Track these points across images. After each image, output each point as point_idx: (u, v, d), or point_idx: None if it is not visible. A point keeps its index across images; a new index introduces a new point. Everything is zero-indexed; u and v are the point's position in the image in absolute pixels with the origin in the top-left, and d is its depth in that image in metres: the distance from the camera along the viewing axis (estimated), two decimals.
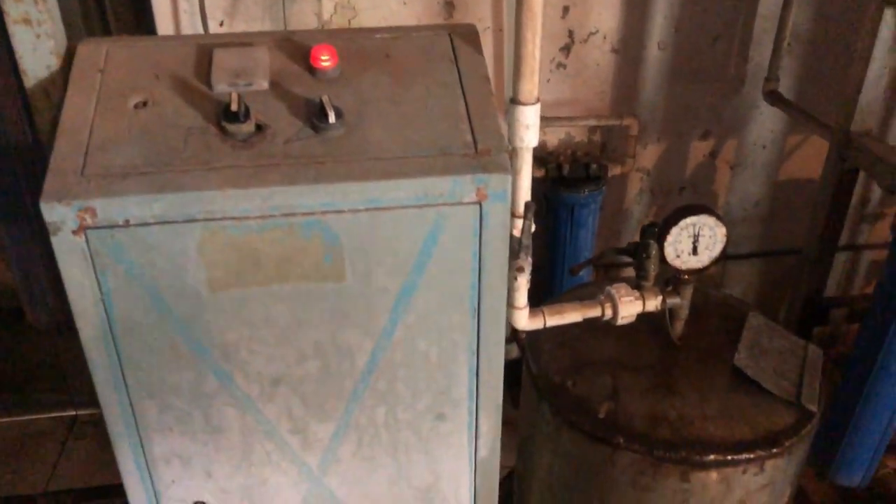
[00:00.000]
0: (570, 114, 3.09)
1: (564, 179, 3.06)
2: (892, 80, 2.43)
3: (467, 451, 1.59)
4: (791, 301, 2.81)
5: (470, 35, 1.47)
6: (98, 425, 3.57)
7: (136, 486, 1.51)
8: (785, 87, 3.07)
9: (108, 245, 1.24)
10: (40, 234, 1.72)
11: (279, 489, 1.58)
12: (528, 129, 1.46)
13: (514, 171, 1.52)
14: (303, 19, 2.82)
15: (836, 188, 2.43)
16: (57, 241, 1.22)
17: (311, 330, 1.39)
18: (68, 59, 1.40)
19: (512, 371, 1.67)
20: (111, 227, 1.23)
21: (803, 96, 3.07)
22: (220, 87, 1.34)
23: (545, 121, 2.99)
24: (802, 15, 3.00)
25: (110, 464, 1.49)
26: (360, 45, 1.46)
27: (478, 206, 1.31)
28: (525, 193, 1.55)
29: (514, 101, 1.45)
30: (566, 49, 2.99)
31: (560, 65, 3.02)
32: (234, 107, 1.26)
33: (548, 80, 3.02)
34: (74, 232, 1.22)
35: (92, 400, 3.63)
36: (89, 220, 1.21)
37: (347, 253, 1.32)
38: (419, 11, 2.88)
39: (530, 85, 1.42)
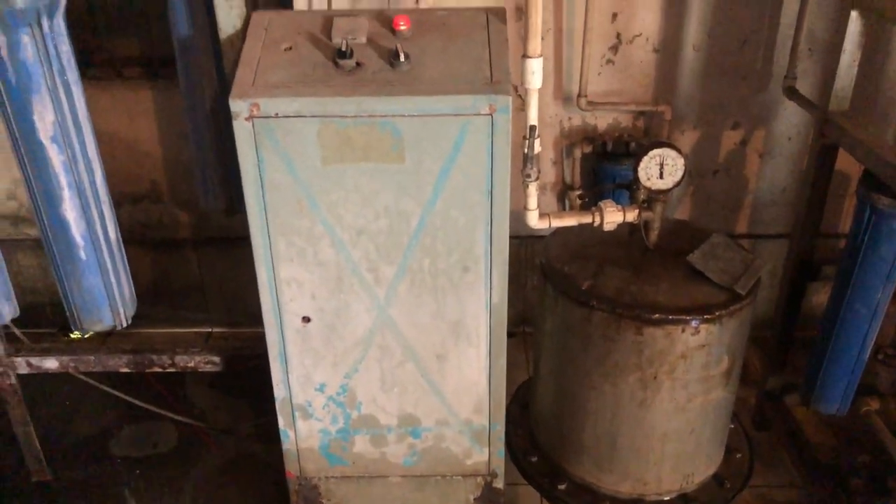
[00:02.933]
0: (617, 101, 3.74)
1: (609, 154, 3.73)
2: (860, 70, 2.93)
3: (484, 296, 2.31)
4: (787, 259, 3.32)
5: (499, 13, 2.24)
6: (227, 339, 4.50)
7: (269, 301, 2.32)
8: (806, 84, 3.60)
9: (264, 128, 2.07)
10: (216, 137, 2.58)
11: (357, 312, 2.35)
12: (534, 75, 2.19)
13: (525, 106, 2.25)
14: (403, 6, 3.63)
15: (818, 161, 2.98)
16: (236, 124, 2.06)
17: (382, 196, 2.17)
18: (245, 22, 2.26)
19: None
20: (267, 117, 2.06)
21: (818, 93, 3.59)
22: (337, 39, 2.16)
23: (596, 106, 3.68)
24: (818, 23, 3.55)
25: None
26: (427, 17, 2.25)
27: (490, 117, 2.05)
28: (532, 121, 2.27)
29: (525, 56, 2.19)
30: (614, 48, 3.66)
31: (609, 61, 3.69)
32: (343, 49, 2.07)
33: (599, 74, 3.70)
34: (246, 119, 2.05)
35: (225, 319, 4.54)
36: (255, 112, 2.05)
37: (406, 144, 2.09)
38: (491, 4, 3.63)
39: (534, 44, 2.16)
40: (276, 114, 2.05)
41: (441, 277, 2.29)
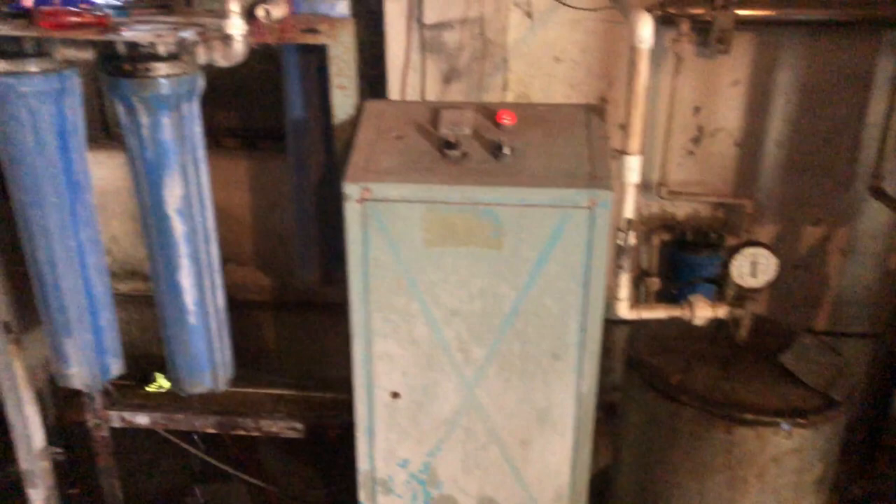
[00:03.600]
0: (697, 192, 3.78)
1: (687, 244, 3.75)
2: None
3: (573, 385, 2.33)
4: (874, 360, 3.25)
5: (598, 110, 2.34)
6: (295, 402, 4.57)
7: (361, 374, 2.39)
8: (894, 184, 3.58)
9: (373, 210, 2.18)
10: (319, 213, 2.71)
11: (446, 391, 2.40)
12: (632, 171, 2.26)
13: (621, 200, 2.31)
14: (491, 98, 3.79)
15: None
16: (347, 206, 2.18)
17: (479, 279, 2.24)
18: (358, 110, 2.42)
19: None
20: (377, 200, 2.17)
21: None
22: (444, 130, 2.29)
23: (675, 195, 3.73)
24: None
25: None
26: (528, 112, 2.37)
27: (589, 211, 2.12)
28: (627, 214, 2.33)
29: (623, 152, 2.27)
30: (695, 140, 3.73)
31: (690, 152, 3.75)
32: (451, 140, 2.19)
33: (679, 164, 3.76)
34: (357, 201, 2.17)
35: (295, 383, 4.62)
36: (366, 195, 2.16)
37: (506, 231, 2.17)
38: (579, 102, 3.76)
39: (635, 142, 2.24)
40: (386, 197, 2.17)
41: (531, 363, 2.33)
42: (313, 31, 2.27)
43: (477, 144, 2.26)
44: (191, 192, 2.17)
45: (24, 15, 2.09)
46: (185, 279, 2.25)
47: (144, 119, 2.04)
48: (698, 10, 3.32)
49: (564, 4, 3.46)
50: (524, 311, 2.27)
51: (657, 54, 3.67)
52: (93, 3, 2.08)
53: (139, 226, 3.44)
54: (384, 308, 2.31)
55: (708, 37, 3.41)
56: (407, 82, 3.69)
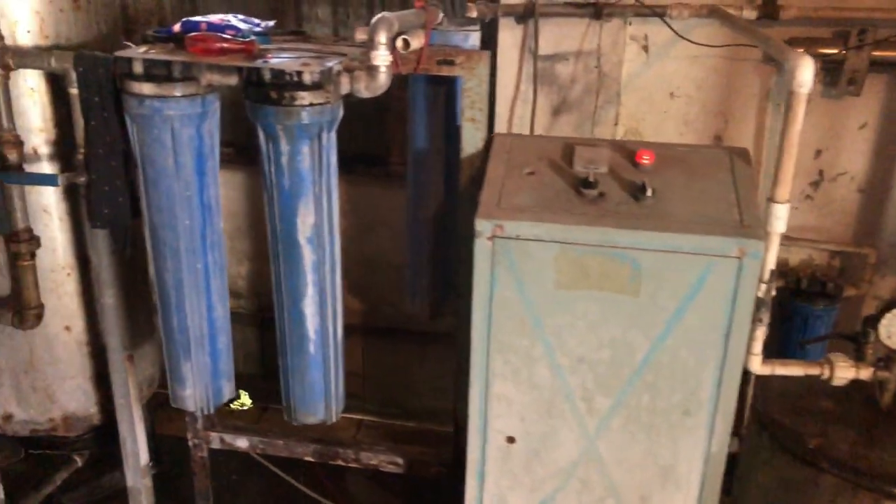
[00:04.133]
0: (813, 238, 3.59)
1: (802, 292, 3.55)
2: None
3: (703, 443, 2.20)
4: None
5: (743, 154, 2.22)
6: (378, 428, 4.54)
7: (476, 416, 2.31)
8: None
9: (503, 248, 2.11)
10: (434, 246, 2.67)
11: (564, 440, 2.29)
12: (779, 220, 2.13)
13: (766, 249, 2.18)
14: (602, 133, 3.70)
15: None
16: (478, 243, 2.11)
17: (610, 327, 2.13)
18: (487, 144, 2.36)
19: None
20: (508, 238, 2.10)
21: None
22: (578, 168, 2.21)
23: (790, 241, 3.54)
24: None
25: None
26: (666, 152, 2.26)
27: (737, 261, 1.99)
28: (770, 265, 2.19)
29: (771, 200, 2.14)
30: (815, 185, 3.55)
31: (808, 196, 3.57)
32: (591, 179, 2.10)
33: (796, 208, 3.58)
34: (488, 238, 2.10)
35: (379, 409, 4.58)
36: (498, 232, 2.09)
37: (644, 277, 2.06)
38: (692, 140, 3.63)
39: (784, 190, 2.11)
40: (518, 235, 2.09)
41: (659, 417, 2.20)
42: (449, 62, 2.23)
43: (615, 184, 2.17)
44: (322, 221, 2.14)
45: (171, 39, 2.12)
46: (309, 307, 2.22)
47: (285, 147, 2.02)
48: (830, 50, 3.17)
49: (685, 40, 3.35)
50: (656, 362, 2.15)
51: (779, 94, 3.53)
52: (238, 30, 2.09)
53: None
54: (506, 349, 2.22)
55: (838, 77, 3.25)
56: (515, 113, 3.64)
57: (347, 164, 3.99)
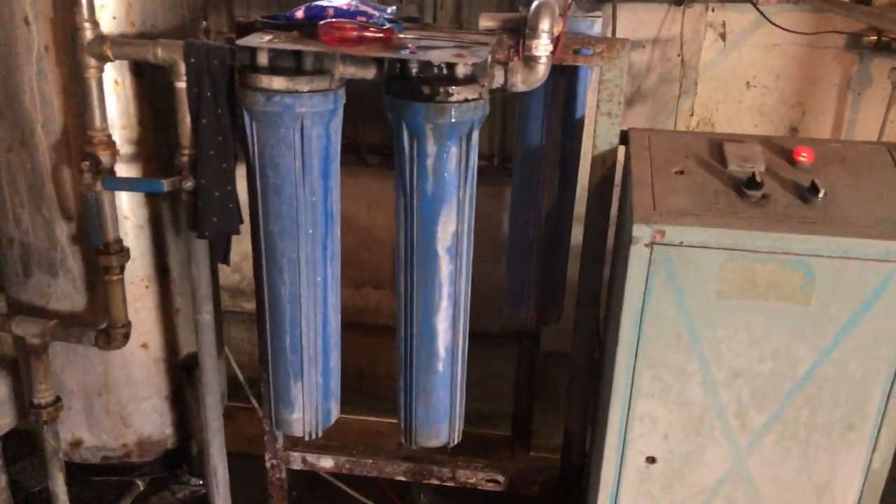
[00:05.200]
0: None
1: None
2: None
3: (863, 459, 2.06)
4: None
5: None
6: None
7: (615, 436, 2.14)
8: None
9: (662, 257, 1.93)
10: (544, 250, 2.48)
11: (710, 459, 2.13)
12: None
13: None
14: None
15: None
16: (634, 250, 1.93)
17: (773, 338, 1.98)
18: (623, 140, 2.18)
19: None
20: (668, 244, 1.92)
21: None
22: (733, 166, 2.04)
23: None
24: None
25: None
26: (821, 149, 2.10)
27: None
28: None
29: None
30: None
31: None
32: (757, 179, 1.94)
33: None
34: (646, 244, 1.92)
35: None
36: (658, 238, 1.92)
37: (817, 286, 1.91)
38: (766, 132, 3.50)
39: None
40: (681, 242, 1.92)
41: (817, 432, 2.06)
42: (587, 52, 2.03)
43: (775, 184, 2.00)
44: (461, 229, 1.94)
45: (292, 26, 1.88)
46: (442, 323, 2.02)
47: (431, 147, 1.81)
48: None
49: (771, 23, 3.20)
50: (821, 374, 2.00)
51: (861, 83, 3.41)
52: (370, 16, 1.87)
53: None
54: (655, 365, 2.05)
55: None
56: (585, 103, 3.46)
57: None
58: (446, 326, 2.03)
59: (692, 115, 3.51)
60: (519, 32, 1.99)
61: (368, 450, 2.77)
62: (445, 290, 1.99)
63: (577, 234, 2.55)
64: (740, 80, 3.45)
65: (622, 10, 3.30)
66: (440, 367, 2.08)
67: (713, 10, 3.30)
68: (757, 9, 3.16)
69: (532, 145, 2.44)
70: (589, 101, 2.54)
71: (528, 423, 4.19)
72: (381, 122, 4.02)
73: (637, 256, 1.95)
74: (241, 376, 3.21)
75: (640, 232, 1.92)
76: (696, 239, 1.91)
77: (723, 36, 3.39)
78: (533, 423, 4.14)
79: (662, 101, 3.48)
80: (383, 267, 4.18)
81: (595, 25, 2.31)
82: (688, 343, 2.02)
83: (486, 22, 2.08)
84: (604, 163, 2.20)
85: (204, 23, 2.38)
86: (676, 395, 2.08)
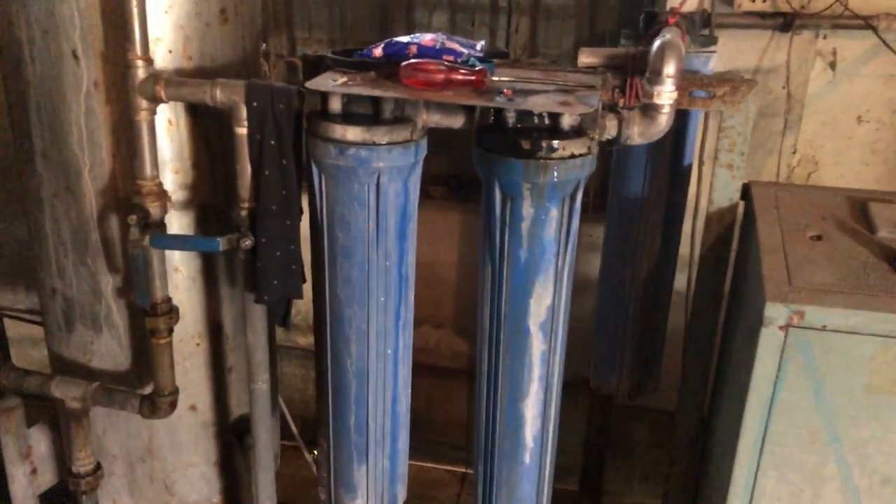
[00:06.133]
0: None
1: None
2: None
3: None
4: None
5: None
6: None
7: None
8: None
9: (799, 341, 1.61)
10: (642, 312, 2.18)
11: None
12: None
13: None
14: (766, 170, 3.21)
15: None
16: (765, 332, 1.62)
17: None
18: (744, 196, 1.87)
19: None
20: (808, 328, 1.60)
21: None
22: (883, 233, 1.71)
23: None
24: None
25: None
26: None
27: None
28: None
29: None
30: None
31: None
32: None
33: None
34: (781, 327, 1.61)
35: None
36: (795, 321, 1.60)
37: None
38: (879, 173, 3.13)
39: None
40: (824, 326, 1.60)
41: None
42: (707, 95, 1.74)
43: None
44: (558, 302, 1.66)
45: (370, 66, 1.64)
46: (530, 409, 1.73)
47: (528, 209, 1.54)
48: None
49: (892, 50, 2.85)
50: None
51: None
52: (458, 54, 1.60)
53: None
54: (785, 465, 1.73)
55: None
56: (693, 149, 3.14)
57: (462, 191, 3.58)
58: (535, 413, 1.75)
59: (794, 152, 3.17)
60: (625, 71, 1.71)
61: None
62: (537, 371, 1.70)
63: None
64: (851, 114, 3.10)
65: (721, 35, 2.98)
66: (527, 458, 1.79)
67: (824, 38, 2.96)
68: (878, 35, 2.80)
69: (632, 194, 2.15)
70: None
71: (598, 479, 3.87)
72: (445, 150, 3.77)
73: (768, 340, 1.63)
74: (292, 425, 2.99)
75: (775, 312, 1.61)
76: (844, 323, 1.59)
77: (832, 65, 3.05)
78: (603, 480, 3.83)
79: (762, 138, 3.14)
80: (444, 305, 3.94)
81: (710, 62, 2.01)
82: (826, 443, 1.69)
83: (586, 59, 1.80)
84: (721, 221, 1.89)
85: (263, 45, 2.16)
86: (809, 503, 1.75)
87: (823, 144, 3.17)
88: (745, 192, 1.90)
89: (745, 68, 3.05)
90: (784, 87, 3.01)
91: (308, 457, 3.36)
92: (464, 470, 4.21)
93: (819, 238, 1.74)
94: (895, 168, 3.14)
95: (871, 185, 3.12)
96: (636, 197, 2.14)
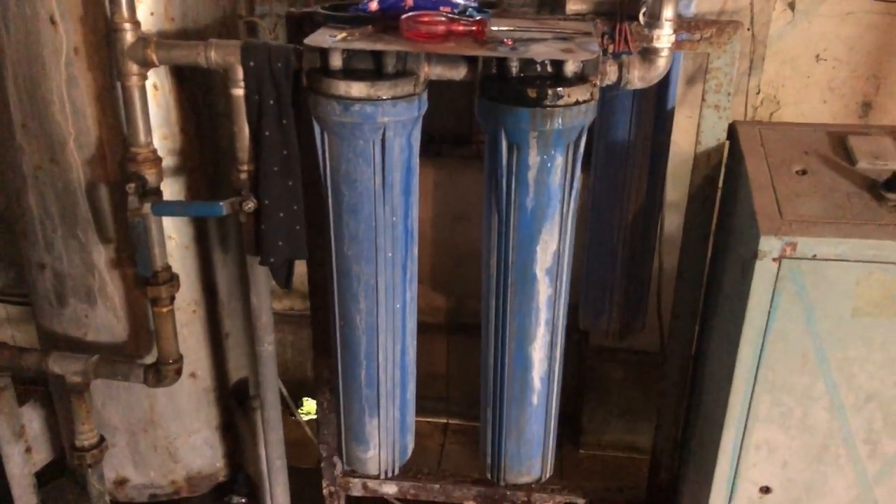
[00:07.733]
0: None
1: None
2: None
3: None
4: None
5: None
6: (466, 433, 4.17)
7: (726, 465, 1.93)
8: None
9: (791, 272, 1.70)
10: (629, 255, 2.25)
11: (832, 489, 1.93)
12: None
13: None
14: (733, 111, 3.29)
15: None
16: (759, 265, 1.70)
17: None
18: (730, 135, 1.93)
19: None
20: (800, 258, 1.69)
21: None
22: (863, 164, 1.80)
23: None
24: None
25: None
26: None
27: None
28: None
29: None
30: None
31: None
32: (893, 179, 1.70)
33: None
34: (774, 259, 1.69)
35: (464, 411, 4.19)
36: (788, 252, 1.68)
37: None
38: (836, 109, 3.25)
39: None
40: (815, 255, 1.68)
41: None
42: (693, 37, 1.78)
43: None
44: (562, 248, 1.70)
45: (366, 20, 1.62)
46: (537, 352, 1.79)
47: (535, 158, 1.57)
48: None
49: None
50: None
51: None
52: (454, 6, 1.60)
53: None
54: (778, 389, 1.83)
55: None
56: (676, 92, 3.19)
57: (435, 148, 3.58)
58: (543, 356, 1.81)
59: (758, 92, 3.26)
60: (615, 16, 1.74)
61: (436, 475, 2.56)
62: (543, 315, 1.76)
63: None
64: (809, 53, 3.19)
65: None
66: (535, 399, 1.86)
67: None
68: None
69: (618, 139, 2.19)
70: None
71: (577, 420, 4.01)
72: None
73: (763, 272, 1.71)
74: (282, 388, 3.01)
75: (768, 245, 1.69)
76: (832, 251, 1.68)
77: (791, 6, 3.12)
78: (582, 419, 3.96)
79: None
80: (421, 261, 3.95)
81: (692, 5, 2.05)
82: (815, 364, 1.80)
83: (574, 5, 1.82)
84: (708, 161, 1.96)
85: None
86: (799, 421, 1.87)
87: (784, 84, 3.26)
88: (731, 131, 1.96)
89: (709, 11, 3.10)
90: (749, 29, 3.08)
91: (299, 418, 3.40)
92: (445, 421, 4.29)
93: (804, 172, 1.82)
94: (851, 104, 3.25)
95: (830, 121, 3.24)
96: (623, 141, 2.19)
